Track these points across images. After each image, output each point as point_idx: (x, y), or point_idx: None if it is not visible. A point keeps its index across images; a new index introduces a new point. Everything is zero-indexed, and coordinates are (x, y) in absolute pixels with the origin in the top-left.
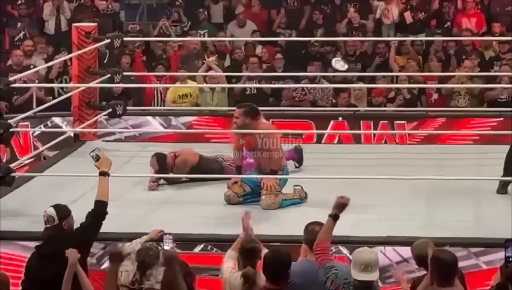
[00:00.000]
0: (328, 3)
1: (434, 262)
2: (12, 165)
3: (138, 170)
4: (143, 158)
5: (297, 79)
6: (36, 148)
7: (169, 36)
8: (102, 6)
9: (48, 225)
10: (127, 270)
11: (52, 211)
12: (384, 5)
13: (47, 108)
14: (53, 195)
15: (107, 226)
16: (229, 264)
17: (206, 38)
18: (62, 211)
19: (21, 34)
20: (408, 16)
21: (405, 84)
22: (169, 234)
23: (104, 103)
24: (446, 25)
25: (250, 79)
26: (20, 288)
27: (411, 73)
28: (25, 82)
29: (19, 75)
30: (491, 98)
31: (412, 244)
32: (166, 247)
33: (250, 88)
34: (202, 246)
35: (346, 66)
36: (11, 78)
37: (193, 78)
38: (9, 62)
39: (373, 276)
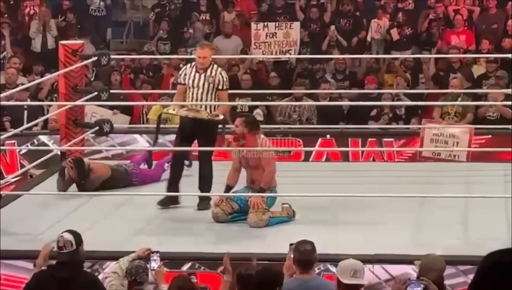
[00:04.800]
0: (317, 21)
1: None
2: None
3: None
4: None
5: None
6: (22, 166)
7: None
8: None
9: (65, 251)
10: None
11: (69, 236)
12: (376, 20)
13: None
14: (40, 214)
15: (94, 245)
16: None
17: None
18: (78, 237)
19: (5, 53)
20: (394, 33)
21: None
22: (156, 252)
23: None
24: (436, 46)
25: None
26: None
27: (399, 90)
28: (17, 100)
29: (5, 94)
30: (481, 115)
31: (411, 260)
32: (153, 265)
33: (242, 106)
34: (190, 264)
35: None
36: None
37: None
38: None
39: (361, 281)
